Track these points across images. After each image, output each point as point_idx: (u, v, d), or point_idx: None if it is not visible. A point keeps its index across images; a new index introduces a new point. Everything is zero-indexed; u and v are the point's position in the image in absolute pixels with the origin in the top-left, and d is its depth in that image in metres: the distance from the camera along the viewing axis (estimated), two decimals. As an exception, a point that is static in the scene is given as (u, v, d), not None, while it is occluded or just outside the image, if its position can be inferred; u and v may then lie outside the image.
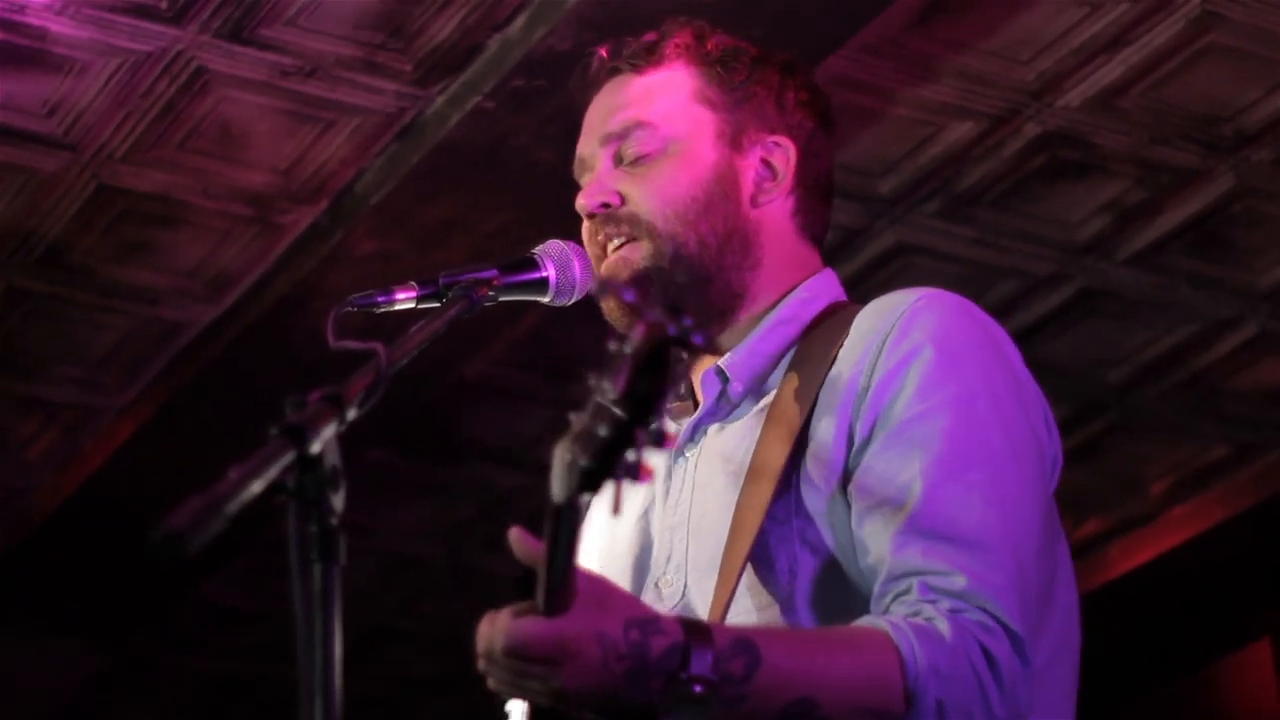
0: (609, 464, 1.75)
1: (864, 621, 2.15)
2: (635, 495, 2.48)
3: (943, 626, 2.12)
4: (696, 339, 1.76)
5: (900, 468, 2.22)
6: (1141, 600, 6.88)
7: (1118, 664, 6.58)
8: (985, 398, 2.26)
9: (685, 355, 1.77)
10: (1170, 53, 4.97)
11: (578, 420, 1.78)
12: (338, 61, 4.92)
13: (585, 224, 2.48)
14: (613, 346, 1.75)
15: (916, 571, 2.17)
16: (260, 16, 4.76)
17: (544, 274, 2.44)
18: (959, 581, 2.15)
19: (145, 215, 5.44)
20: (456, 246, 5.22)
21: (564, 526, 1.89)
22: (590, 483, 1.77)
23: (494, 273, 2.40)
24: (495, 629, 1.99)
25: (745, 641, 2.04)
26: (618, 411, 1.73)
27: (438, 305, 2.35)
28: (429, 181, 5.13)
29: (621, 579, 2.41)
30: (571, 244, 2.47)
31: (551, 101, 4.77)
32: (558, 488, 1.84)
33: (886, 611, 2.18)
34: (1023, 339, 5.67)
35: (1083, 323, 5.97)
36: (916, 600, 2.16)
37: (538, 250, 2.46)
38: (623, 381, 1.72)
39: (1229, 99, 5.15)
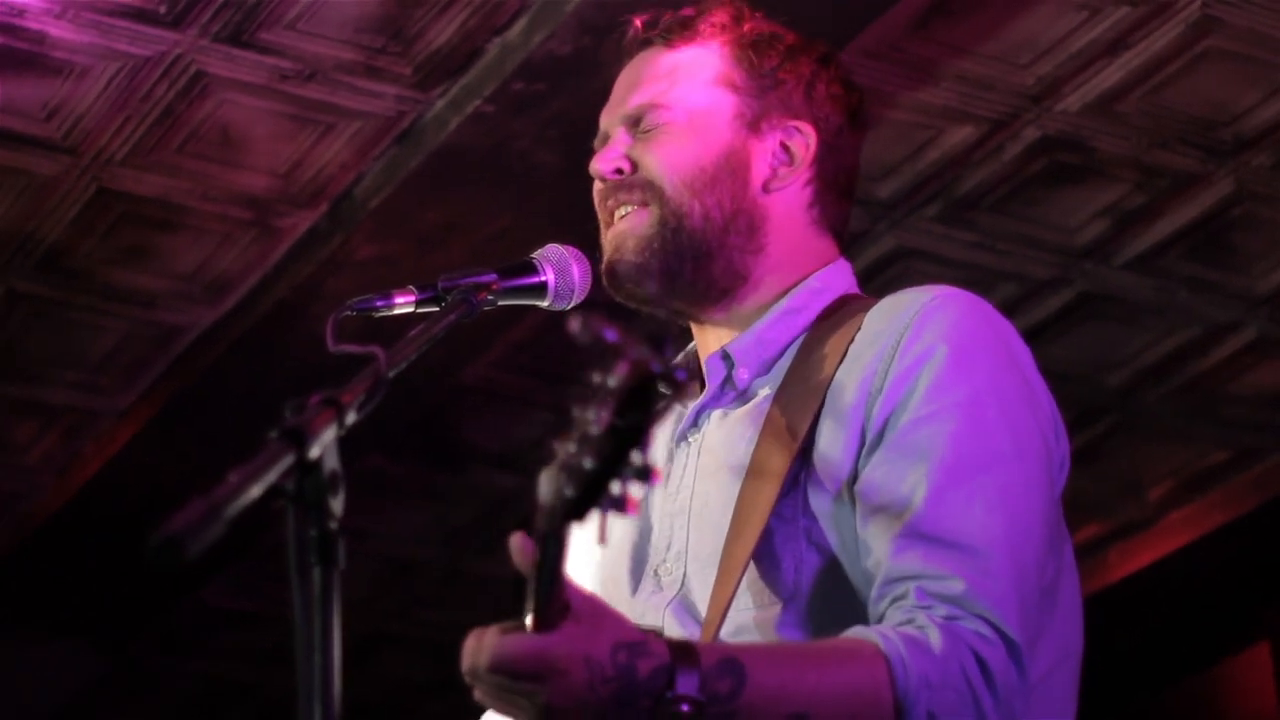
0: (594, 496, 1.76)
1: (854, 632, 2.14)
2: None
3: (934, 636, 2.11)
4: (680, 375, 1.76)
5: (906, 471, 2.21)
6: (1141, 604, 6.87)
7: (1117, 668, 6.58)
8: (994, 402, 2.25)
9: (670, 391, 1.77)
10: (1170, 57, 4.97)
11: (563, 450, 1.78)
12: (337, 65, 4.91)
13: (596, 188, 2.50)
14: (596, 378, 1.75)
15: (914, 575, 2.16)
16: (259, 20, 4.76)
17: (543, 278, 2.43)
18: (956, 586, 2.14)
19: (144, 219, 5.44)
20: (456, 250, 5.21)
21: (550, 554, 1.90)
22: (576, 513, 1.78)
23: (493, 277, 2.40)
24: (481, 645, 1.98)
25: (731, 660, 2.04)
26: (602, 445, 1.74)
27: (437, 309, 2.34)
28: (428, 185, 5.13)
29: (620, 564, 2.41)
30: (570, 248, 2.46)
31: (551, 105, 4.77)
32: (544, 518, 1.85)
33: (882, 616, 2.17)
34: (1022, 343, 5.72)
35: (1082, 326, 5.97)
36: (912, 606, 2.14)
37: (537, 254, 2.45)
38: (606, 417, 1.73)
39: (1228, 103, 5.15)
